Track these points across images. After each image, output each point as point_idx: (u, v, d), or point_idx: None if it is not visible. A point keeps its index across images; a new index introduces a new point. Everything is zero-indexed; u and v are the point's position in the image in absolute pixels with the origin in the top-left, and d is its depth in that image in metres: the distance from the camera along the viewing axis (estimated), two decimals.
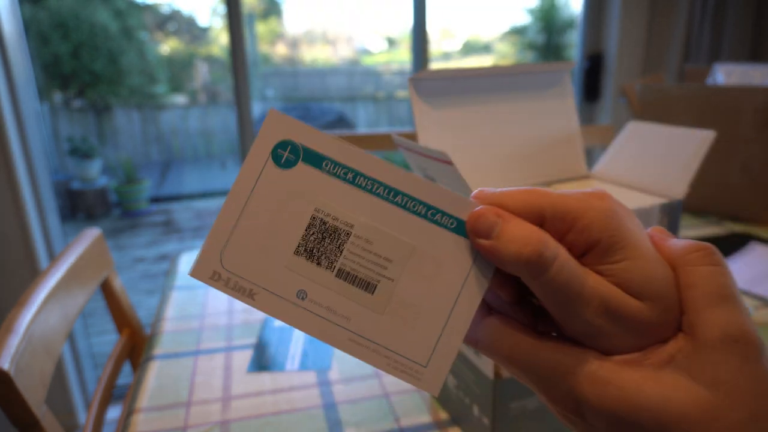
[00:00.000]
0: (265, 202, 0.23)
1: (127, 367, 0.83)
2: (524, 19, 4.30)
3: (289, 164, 0.23)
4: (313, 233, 0.23)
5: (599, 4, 2.08)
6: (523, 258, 0.21)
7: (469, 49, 4.72)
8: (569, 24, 3.63)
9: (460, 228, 0.23)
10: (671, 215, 0.45)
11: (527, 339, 0.22)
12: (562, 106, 0.54)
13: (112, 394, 0.74)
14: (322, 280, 0.23)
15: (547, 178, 0.56)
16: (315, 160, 0.23)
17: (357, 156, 0.23)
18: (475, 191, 0.23)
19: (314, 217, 0.23)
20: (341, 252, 0.23)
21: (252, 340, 0.67)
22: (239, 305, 0.76)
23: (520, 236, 0.21)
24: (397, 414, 0.52)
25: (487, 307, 0.24)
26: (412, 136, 0.48)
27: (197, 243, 3.59)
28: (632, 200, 0.46)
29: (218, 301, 0.77)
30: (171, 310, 0.74)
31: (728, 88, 1.01)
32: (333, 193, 0.23)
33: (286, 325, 0.70)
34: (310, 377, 0.59)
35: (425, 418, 0.51)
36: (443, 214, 0.23)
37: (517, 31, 4.35)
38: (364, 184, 0.23)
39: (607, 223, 0.21)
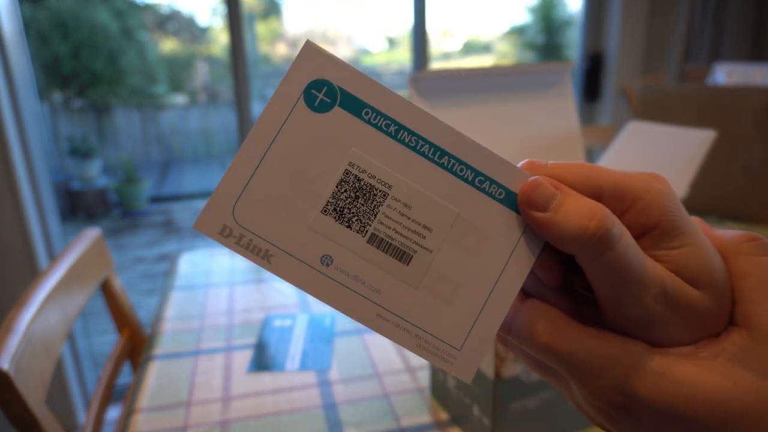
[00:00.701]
0: (291, 149, 0.20)
1: (127, 367, 0.83)
2: (524, 18, 4.30)
3: (323, 107, 0.20)
4: (345, 190, 0.20)
5: (599, 4, 2.08)
6: (588, 233, 0.19)
7: (469, 49, 4.72)
8: (569, 24, 3.63)
9: (509, 199, 0.20)
10: None
11: (573, 325, 0.20)
12: (562, 106, 0.54)
13: (112, 394, 0.73)
14: (351, 246, 0.20)
15: None
16: (354, 106, 0.20)
17: (403, 107, 0.20)
18: (524, 161, 0.21)
19: (348, 172, 0.20)
20: (375, 215, 0.20)
21: (252, 340, 0.67)
22: (239, 305, 0.76)
23: (582, 210, 0.19)
24: (397, 414, 0.52)
25: (522, 293, 0.22)
26: None
27: (197, 243, 3.59)
28: None
29: (218, 301, 0.77)
30: (171, 310, 0.74)
31: (728, 88, 1.01)
32: (372, 147, 0.20)
33: (287, 325, 0.70)
34: (310, 377, 0.59)
35: (425, 418, 0.51)
36: (492, 182, 0.20)
37: (517, 31, 4.35)
38: (407, 140, 0.20)
39: (668, 207, 0.19)
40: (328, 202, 0.20)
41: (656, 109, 1.12)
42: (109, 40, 4.24)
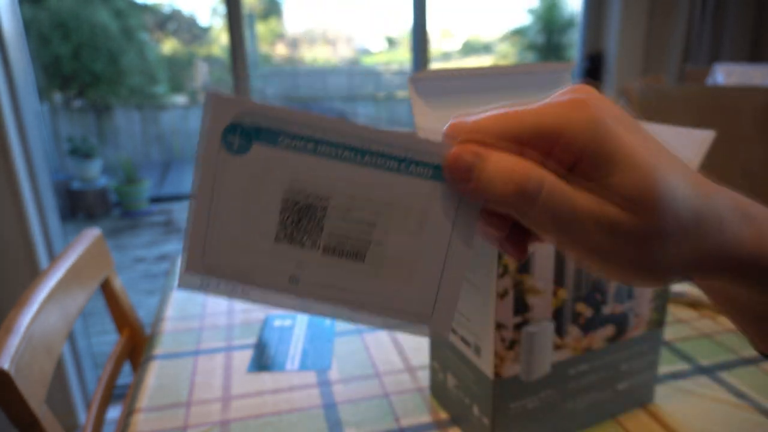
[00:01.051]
0: (231, 197, 0.22)
1: (127, 367, 0.83)
2: (524, 19, 4.30)
3: (243, 149, 0.21)
4: (289, 216, 0.22)
5: (599, 4, 2.08)
6: (507, 196, 0.20)
7: (469, 49, 4.72)
8: (569, 24, 3.63)
9: (438, 174, 0.22)
10: None
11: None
12: None
13: (112, 394, 0.74)
14: (310, 261, 0.22)
15: None
16: (269, 137, 0.21)
17: (313, 121, 0.21)
18: (450, 121, 0.22)
19: (285, 200, 0.22)
20: (322, 228, 0.22)
21: (252, 340, 0.67)
22: (239, 305, 0.76)
23: (501, 172, 0.20)
24: (397, 414, 0.52)
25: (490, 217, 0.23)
26: None
27: None
28: None
29: (218, 301, 0.77)
30: (171, 310, 0.74)
31: (728, 88, 1.01)
32: (297, 169, 0.21)
33: (287, 325, 0.70)
34: (310, 377, 0.59)
35: (425, 418, 0.51)
36: (417, 164, 0.22)
37: (518, 32, 4.35)
38: (327, 152, 0.21)
39: (590, 136, 0.20)
40: (277, 232, 0.22)
41: (656, 109, 1.12)
42: (109, 40, 4.24)
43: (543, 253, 0.41)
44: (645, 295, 0.47)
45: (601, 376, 0.48)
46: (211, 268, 0.22)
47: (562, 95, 0.21)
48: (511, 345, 0.42)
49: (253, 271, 0.22)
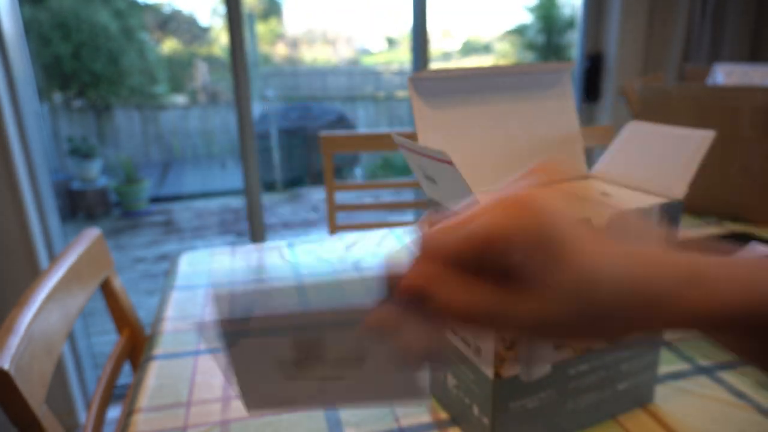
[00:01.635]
0: (244, 370, 0.31)
1: (127, 367, 0.83)
2: (524, 18, 4.30)
3: (234, 342, 0.30)
4: (298, 356, 0.29)
5: (599, 4, 2.08)
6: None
7: (469, 49, 4.72)
8: (569, 24, 3.63)
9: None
10: (671, 215, 0.45)
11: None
12: (562, 107, 0.54)
13: (112, 393, 0.74)
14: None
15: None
16: (250, 333, 0.29)
17: (279, 321, 0.28)
18: (417, 237, 0.25)
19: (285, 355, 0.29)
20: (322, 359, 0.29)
21: None
22: None
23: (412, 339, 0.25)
24: (397, 414, 0.52)
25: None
26: (412, 136, 0.47)
27: (197, 243, 3.59)
28: (632, 200, 0.46)
29: None
30: (171, 310, 0.74)
31: (728, 88, 1.01)
32: (283, 342, 0.28)
33: None
34: None
35: (425, 418, 0.51)
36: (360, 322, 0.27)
37: (517, 31, 4.34)
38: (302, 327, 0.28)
39: (534, 242, 0.22)
40: (291, 373, 0.29)
41: (656, 109, 1.12)
42: (109, 40, 4.24)
43: None
44: None
45: (601, 376, 0.48)
46: (259, 407, 0.31)
47: (510, 191, 0.24)
48: (511, 345, 0.42)
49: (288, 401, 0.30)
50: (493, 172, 0.52)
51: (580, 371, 0.47)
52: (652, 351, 0.51)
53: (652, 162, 0.48)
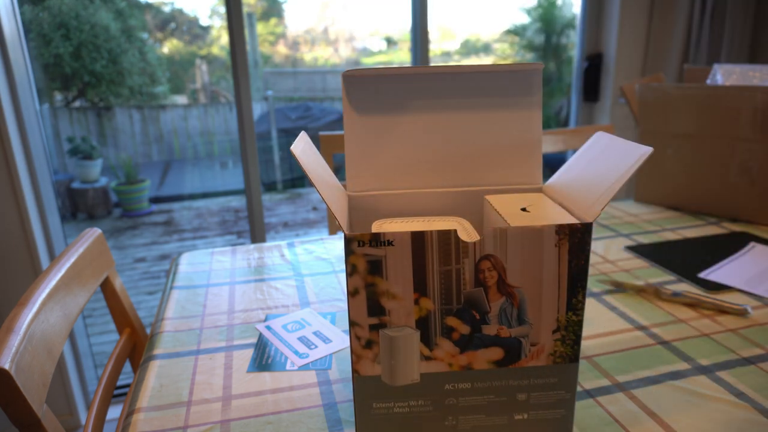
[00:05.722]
0: None
1: (127, 367, 0.83)
2: (523, 18, 4.30)
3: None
4: None
5: (599, 4, 2.08)
6: None
7: (469, 48, 4.72)
8: (569, 24, 3.63)
9: None
10: (575, 238, 0.41)
11: None
12: (526, 112, 0.52)
13: (112, 393, 0.74)
14: None
15: (497, 186, 0.54)
16: None
17: None
18: None
19: None
20: None
21: (252, 340, 0.67)
22: (239, 305, 0.76)
23: None
24: None
25: None
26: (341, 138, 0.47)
27: (197, 243, 3.59)
28: (542, 217, 0.45)
29: (218, 300, 0.77)
30: (171, 310, 0.74)
31: (728, 88, 1.01)
32: None
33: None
34: (310, 377, 0.59)
35: None
36: None
37: (516, 32, 4.35)
38: None
39: None
40: None
41: (656, 109, 1.12)
42: (109, 40, 4.24)
43: (397, 258, 0.41)
44: (543, 324, 0.43)
45: (490, 400, 0.46)
46: None
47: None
48: (368, 344, 0.43)
49: None
50: (421, 178, 0.51)
51: (460, 389, 0.45)
52: (564, 388, 0.46)
53: (591, 179, 0.45)
